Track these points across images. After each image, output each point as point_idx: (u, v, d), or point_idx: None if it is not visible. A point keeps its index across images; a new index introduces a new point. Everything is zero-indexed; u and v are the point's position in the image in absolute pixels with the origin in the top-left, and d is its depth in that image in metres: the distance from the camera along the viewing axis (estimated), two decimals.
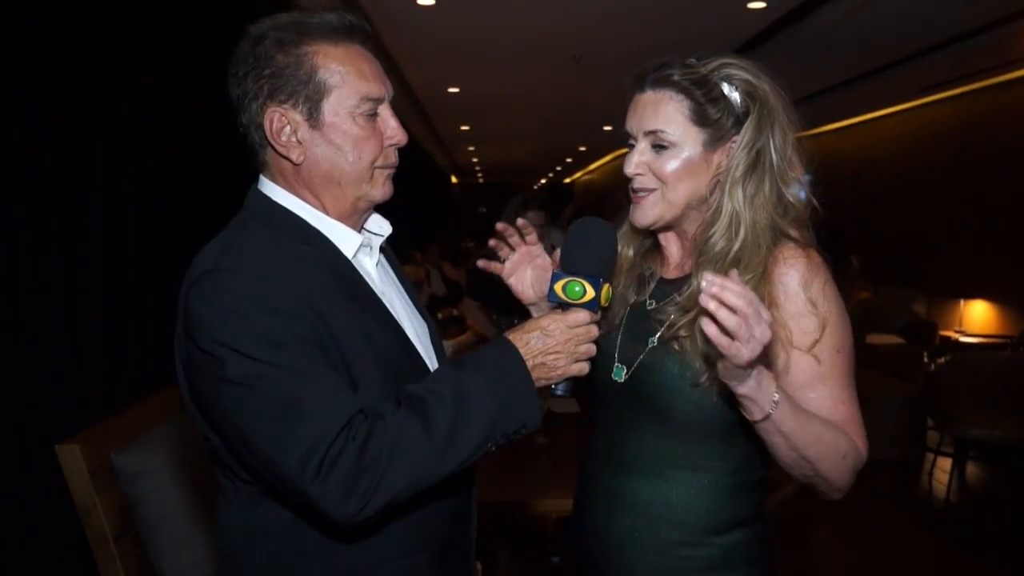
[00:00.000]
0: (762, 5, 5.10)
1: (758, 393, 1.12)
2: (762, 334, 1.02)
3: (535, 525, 4.00)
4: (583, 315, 1.21)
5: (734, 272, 1.07)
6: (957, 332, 7.51)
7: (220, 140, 3.50)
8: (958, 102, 7.92)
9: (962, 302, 7.67)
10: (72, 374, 2.44)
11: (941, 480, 5.18)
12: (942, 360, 5.60)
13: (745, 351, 1.02)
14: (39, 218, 2.29)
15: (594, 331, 1.23)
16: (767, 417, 1.14)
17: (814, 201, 1.33)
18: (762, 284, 1.24)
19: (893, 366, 6.40)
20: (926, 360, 6.45)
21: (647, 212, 1.34)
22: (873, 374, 6.01)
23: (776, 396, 1.13)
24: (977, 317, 7.58)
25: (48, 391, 2.33)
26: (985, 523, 4.60)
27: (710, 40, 5.76)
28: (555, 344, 1.19)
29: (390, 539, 1.20)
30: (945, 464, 5.32)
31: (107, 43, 2.62)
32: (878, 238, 9.17)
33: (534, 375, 1.17)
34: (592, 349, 1.23)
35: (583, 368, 1.22)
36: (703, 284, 1.02)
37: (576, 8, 5.28)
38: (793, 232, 1.28)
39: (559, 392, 1.25)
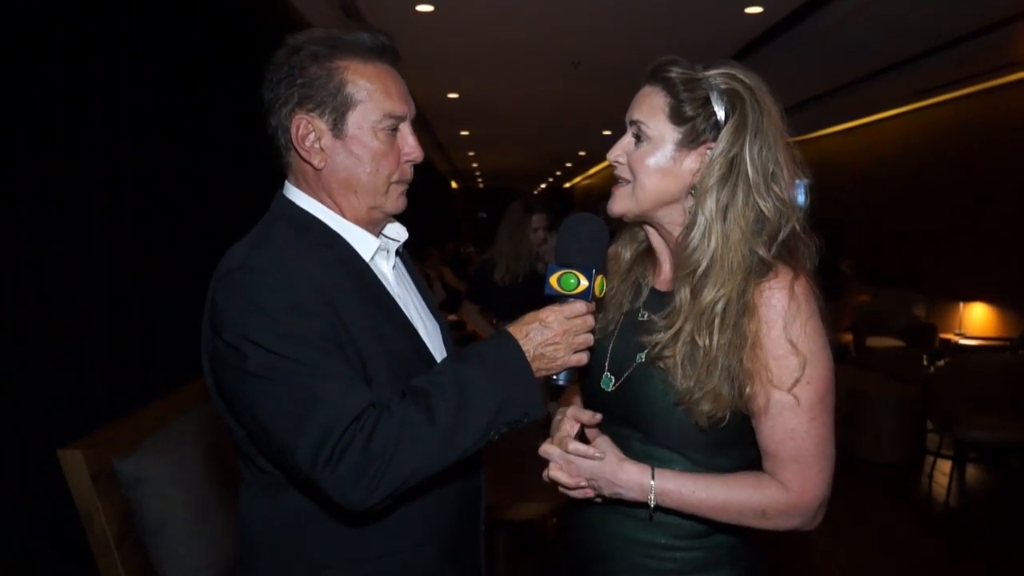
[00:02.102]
0: (759, 10, 5.11)
1: (624, 494, 1.29)
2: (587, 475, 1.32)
3: (535, 526, 4.01)
4: (579, 306, 1.25)
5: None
6: (957, 334, 7.52)
7: (223, 146, 3.52)
8: (956, 105, 7.94)
9: (961, 304, 7.68)
10: (74, 379, 2.45)
11: (941, 482, 5.18)
12: (942, 362, 5.61)
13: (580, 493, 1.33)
14: (40, 224, 2.31)
15: (591, 321, 1.26)
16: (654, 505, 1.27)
17: (798, 227, 1.29)
18: (747, 319, 1.23)
19: (893, 368, 6.41)
20: (926, 362, 6.46)
21: (617, 203, 1.38)
22: (873, 376, 6.02)
23: (652, 485, 1.27)
24: (976, 319, 7.59)
25: (50, 396, 2.34)
26: (985, 525, 4.60)
27: (708, 45, 5.79)
28: (553, 335, 1.23)
29: (402, 529, 1.26)
30: (945, 466, 5.33)
31: (108, 45, 2.64)
32: (878, 241, 9.19)
33: (535, 366, 1.21)
34: (590, 339, 1.27)
35: (582, 358, 1.26)
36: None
37: (574, 14, 5.30)
38: (764, 252, 1.25)
39: (560, 382, 1.28)
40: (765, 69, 1.33)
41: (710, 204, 1.27)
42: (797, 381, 1.22)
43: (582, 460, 1.32)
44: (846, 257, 8.39)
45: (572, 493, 1.35)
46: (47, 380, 2.33)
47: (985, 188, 7.38)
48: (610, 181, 1.41)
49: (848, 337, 8.02)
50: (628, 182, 1.35)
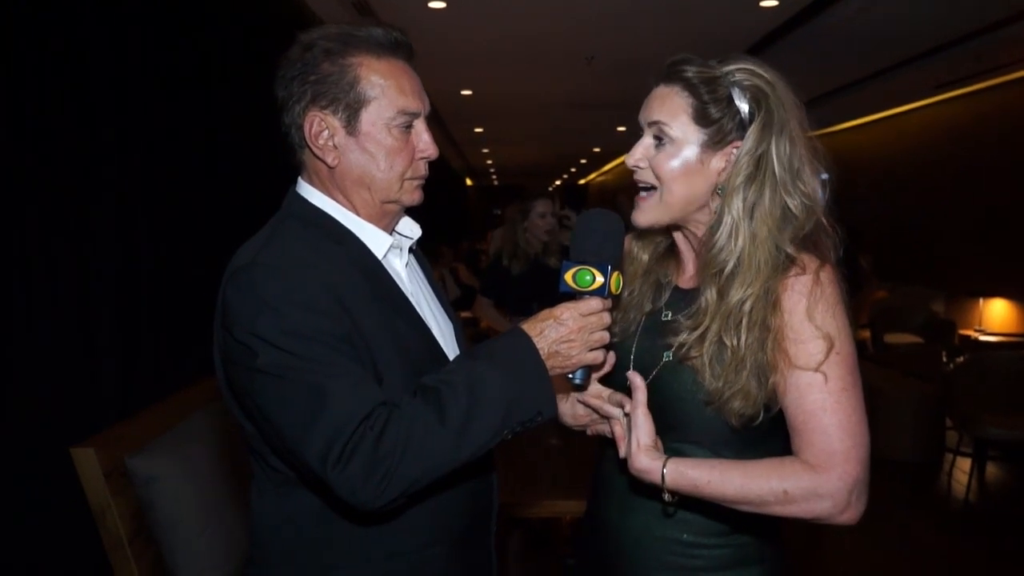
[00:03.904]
0: (775, 3, 5.06)
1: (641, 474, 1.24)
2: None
3: (549, 527, 4.00)
4: (595, 303, 1.22)
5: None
6: (976, 331, 7.44)
7: (235, 143, 3.52)
8: (976, 98, 7.84)
9: (981, 301, 7.59)
10: (86, 378, 2.46)
11: (960, 480, 5.13)
12: (961, 359, 5.54)
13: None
14: (51, 224, 2.31)
15: (607, 319, 1.24)
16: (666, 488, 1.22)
17: (823, 220, 1.28)
18: (772, 314, 1.22)
19: (911, 365, 6.34)
20: (944, 359, 6.39)
21: (645, 214, 1.34)
22: (891, 373, 5.96)
23: (664, 477, 1.21)
24: (996, 316, 7.50)
25: (63, 395, 2.34)
26: (1005, 524, 4.55)
27: (723, 38, 5.74)
28: (568, 332, 1.20)
29: (412, 529, 1.26)
30: (964, 464, 5.27)
31: (119, 41, 2.64)
32: (896, 236, 9.10)
33: (549, 364, 1.19)
34: (606, 337, 1.24)
35: (597, 356, 1.24)
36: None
37: (587, 9, 5.27)
38: (792, 249, 1.23)
39: (577, 380, 1.27)
40: (780, 63, 1.30)
41: (737, 204, 1.25)
42: (824, 360, 1.20)
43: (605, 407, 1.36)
44: (864, 252, 8.31)
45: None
46: (59, 378, 2.34)
47: (1005, 182, 7.29)
48: (625, 176, 1.39)
49: (866, 333, 7.94)
50: (654, 189, 1.32)
